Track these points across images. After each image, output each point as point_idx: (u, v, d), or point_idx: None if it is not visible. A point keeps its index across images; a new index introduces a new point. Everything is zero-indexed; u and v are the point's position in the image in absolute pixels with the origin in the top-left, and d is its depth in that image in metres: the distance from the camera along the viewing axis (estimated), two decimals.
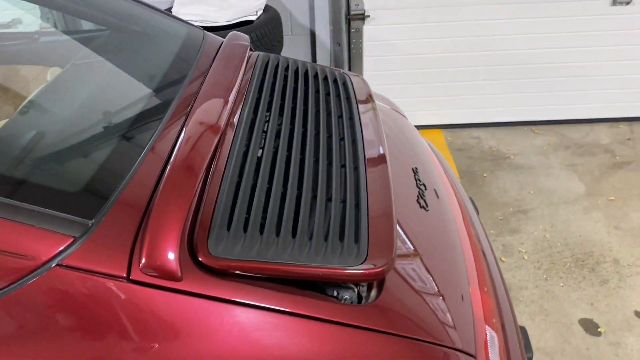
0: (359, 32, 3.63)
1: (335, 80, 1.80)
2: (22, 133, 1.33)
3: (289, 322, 1.08)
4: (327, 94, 1.71)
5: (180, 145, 1.26)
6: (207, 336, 1.04)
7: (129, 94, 1.57)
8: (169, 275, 1.04)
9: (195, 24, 2.05)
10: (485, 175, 3.56)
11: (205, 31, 1.99)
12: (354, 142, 1.49)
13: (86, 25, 2.15)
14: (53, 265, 1.01)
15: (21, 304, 1.02)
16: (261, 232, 1.14)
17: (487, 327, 1.42)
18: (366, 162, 1.40)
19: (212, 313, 1.05)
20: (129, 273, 1.03)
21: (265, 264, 1.07)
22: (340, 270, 1.08)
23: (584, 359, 2.30)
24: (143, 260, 1.02)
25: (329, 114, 1.60)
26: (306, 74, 1.80)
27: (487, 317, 1.47)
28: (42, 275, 1.01)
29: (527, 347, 1.57)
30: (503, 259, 2.86)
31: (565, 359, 2.29)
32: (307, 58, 3.90)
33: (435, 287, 1.39)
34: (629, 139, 3.87)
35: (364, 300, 1.22)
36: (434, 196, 1.71)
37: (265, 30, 3.23)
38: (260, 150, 1.38)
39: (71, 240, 1.03)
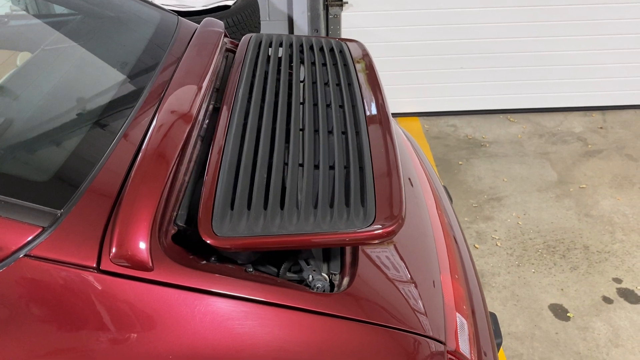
0: (337, 18, 3.62)
1: (331, 49, 1.80)
2: None
3: (260, 311, 1.09)
4: (324, 64, 1.71)
5: (152, 133, 1.25)
6: (179, 326, 1.04)
7: (101, 80, 1.54)
8: (139, 265, 1.03)
9: (171, 9, 2.02)
10: (460, 163, 3.59)
11: (179, 17, 1.96)
12: (353, 107, 1.48)
13: (58, 9, 2.10)
14: (21, 255, 1.00)
15: None
16: (265, 207, 1.13)
17: (457, 314, 1.44)
18: (368, 126, 1.40)
19: (183, 303, 1.05)
20: (99, 263, 1.02)
21: (271, 237, 1.07)
22: (347, 234, 1.08)
23: (553, 343, 2.35)
24: (113, 250, 1.02)
25: (326, 84, 1.60)
26: (301, 46, 1.79)
27: (458, 304, 1.50)
28: (10, 266, 1.00)
29: (497, 332, 1.60)
30: (477, 245, 2.91)
31: (535, 344, 2.34)
32: None
33: (407, 275, 1.41)
34: (601, 128, 3.93)
35: (336, 289, 1.23)
36: (408, 184, 1.72)
37: (242, 16, 3.19)
38: (258, 126, 1.37)
39: (39, 230, 1.02)
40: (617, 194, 3.27)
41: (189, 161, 1.33)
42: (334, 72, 1.66)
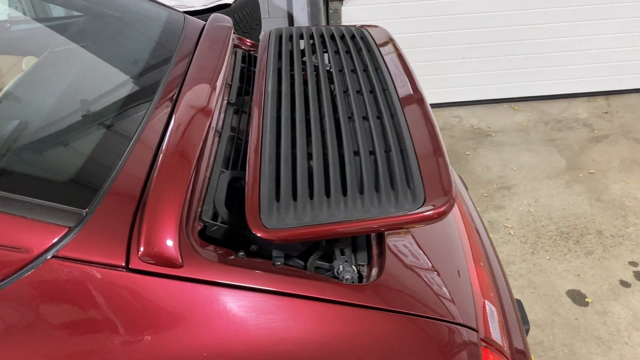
0: (337, 13, 3.60)
1: (353, 36, 1.78)
2: (6, 124, 1.28)
3: (292, 304, 1.07)
4: (347, 52, 1.69)
5: (172, 129, 1.23)
6: (212, 322, 1.02)
7: (114, 79, 1.52)
8: (169, 262, 1.01)
9: None
10: (467, 153, 3.58)
11: (185, 14, 1.94)
12: (385, 91, 1.46)
13: (61, 12, 2.08)
14: (48, 257, 0.98)
15: (17, 298, 0.99)
16: (311, 197, 1.12)
17: (485, 301, 1.43)
18: (403, 108, 1.37)
19: (215, 298, 1.03)
20: (127, 262, 1.00)
21: (321, 226, 1.05)
22: (398, 218, 1.06)
23: (574, 329, 2.34)
24: (142, 248, 1.00)
25: (353, 70, 1.58)
26: (322, 36, 1.78)
27: (485, 291, 1.48)
28: (38, 268, 0.98)
29: (524, 319, 1.58)
30: (490, 235, 2.88)
31: (555, 330, 2.33)
32: None
33: (434, 264, 1.39)
34: (606, 113, 3.92)
35: (365, 280, 1.21)
36: None
37: (242, 14, 3.17)
38: (292, 117, 1.36)
39: (66, 230, 1.00)
40: (626, 178, 3.25)
41: (209, 157, 1.31)
42: (359, 58, 1.64)
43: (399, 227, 1.09)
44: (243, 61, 1.82)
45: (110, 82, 1.50)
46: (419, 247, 1.40)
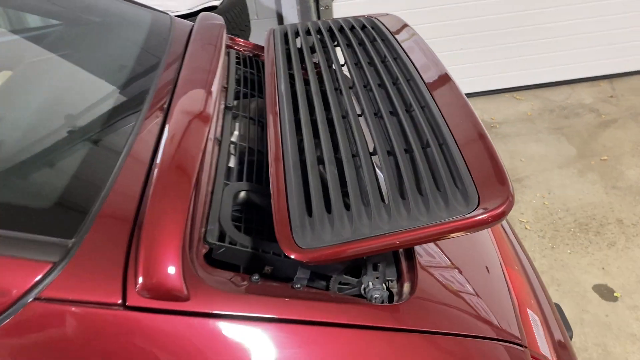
0: (329, 9, 3.46)
1: (363, 27, 1.63)
2: None
3: (320, 334, 0.92)
4: (360, 43, 1.54)
5: (166, 140, 1.07)
6: None
7: (96, 91, 1.36)
8: (173, 295, 0.86)
9: None
10: None
11: (172, 15, 1.80)
12: (409, 81, 1.31)
13: (38, 21, 1.92)
14: (30, 300, 0.83)
15: None
16: (347, 207, 0.97)
17: (528, 310, 1.28)
18: (434, 96, 1.22)
19: (229, 334, 0.88)
20: (124, 298, 0.86)
21: (364, 241, 0.90)
22: (452, 224, 0.90)
23: (605, 326, 2.20)
24: (140, 281, 0.85)
25: (370, 63, 1.43)
26: (330, 30, 1.63)
27: (525, 298, 1.34)
28: (18, 313, 0.82)
29: (566, 325, 1.44)
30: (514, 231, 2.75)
31: (586, 329, 2.18)
32: None
33: (468, 273, 1.25)
34: (611, 97, 3.80)
35: (396, 297, 1.07)
36: None
37: (230, 16, 3.02)
38: (312, 120, 1.21)
39: (49, 266, 0.85)
40: None
41: (209, 168, 1.16)
42: (375, 49, 1.49)
43: (455, 234, 0.93)
44: (237, 62, 1.68)
45: (93, 93, 1.34)
46: (450, 254, 1.26)
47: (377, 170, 1.06)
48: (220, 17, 1.74)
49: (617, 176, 3.03)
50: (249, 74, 1.65)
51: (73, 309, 0.84)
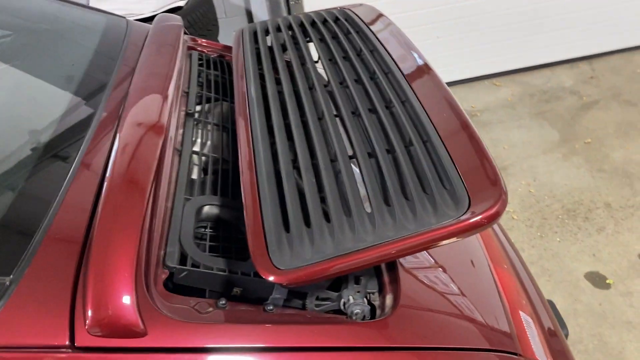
0: (299, 3, 3.35)
1: (336, 20, 1.54)
2: None
3: None
4: (334, 37, 1.45)
5: (116, 154, 0.98)
6: None
7: (42, 103, 1.25)
8: (127, 330, 0.78)
9: None
10: None
11: (128, 19, 1.69)
12: (388, 74, 1.23)
13: None
14: None
15: None
16: (327, 219, 0.88)
17: (520, 312, 1.21)
18: (414, 90, 1.14)
19: None
20: (72, 339, 0.77)
21: (350, 255, 0.82)
22: (442, 230, 0.83)
23: (599, 316, 2.13)
24: (89, 316, 0.76)
25: (345, 57, 1.35)
26: (301, 25, 1.53)
27: (516, 299, 1.26)
28: None
29: (561, 323, 1.36)
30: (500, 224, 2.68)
31: (580, 320, 2.12)
32: None
33: (455, 278, 1.17)
34: (591, 78, 3.74)
35: (378, 311, 0.98)
36: None
37: (197, 15, 2.91)
38: (285, 124, 1.13)
39: None
40: (625, 144, 3.07)
41: (169, 183, 1.06)
42: (349, 42, 1.40)
43: (445, 241, 0.84)
44: (201, 64, 1.58)
45: (39, 105, 1.24)
46: (433, 255, 1.18)
47: (361, 175, 0.98)
48: (179, 18, 1.64)
49: (602, 159, 2.98)
50: (214, 76, 1.55)
51: (14, 355, 0.75)
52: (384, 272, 1.03)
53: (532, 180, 2.89)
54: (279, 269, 0.81)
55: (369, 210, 0.89)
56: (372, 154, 1.01)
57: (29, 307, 0.78)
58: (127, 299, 0.77)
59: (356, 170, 1.00)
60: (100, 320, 0.76)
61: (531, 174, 2.93)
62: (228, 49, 1.79)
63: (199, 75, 1.51)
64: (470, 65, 3.83)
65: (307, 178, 0.96)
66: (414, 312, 0.99)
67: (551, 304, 1.42)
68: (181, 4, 3.01)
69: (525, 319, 1.20)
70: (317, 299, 0.97)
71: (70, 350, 0.76)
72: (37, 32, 1.50)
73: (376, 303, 1.00)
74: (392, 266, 1.04)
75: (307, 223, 0.89)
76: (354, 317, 0.94)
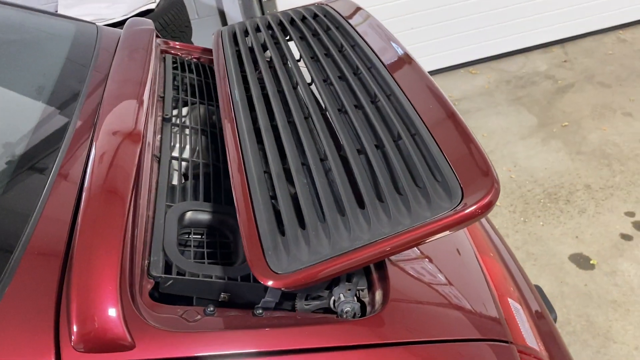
0: (272, 1, 3.33)
1: (315, 16, 1.52)
2: None
3: None
4: (314, 34, 1.43)
5: (93, 164, 0.95)
6: None
7: (15, 116, 1.22)
8: (114, 344, 0.76)
9: None
10: None
11: (98, 25, 1.66)
12: (371, 69, 1.22)
13: None
14: None
15: None
16: (321, 219, 0.88)
17: (508, 299, 1.21)
18: (399, 83, 1.13)
19: None
20: (58, 356, 0.74)
21: (348, 254, 0.81)
22: (438, 223, 0.82)
23: (585, 296, 2.16)
24: (75, 331, 0.74)
25: (327, 54, 1.33)
26: (280, 24, 1.52)
27: (504, 287, 1.27)
28: None
29: (549, 307, 1.38)
30: None
31: (567, 302, 2.14)
32: None
33: (443, 270, 1.17)
34: (565, 61, 3.78)
35: (369, 308, 0.98)
36: None
37: (169, 17, 2.88)
38: (272, 125, 1.12)
39: None
40: (601, 125, 3.11)
41: (149, 190, 1.04)
42: (330, 39, 1.39)
43: (442, 233, 0.84)
44: (175, 67, 1.55)
45: (11, 116, 1.20)
46: (419, 249, 1.18)
47: (352, 172, 0.97)
48: (150, 22, 1.62)
49: (580, 141, 3.01)
50: (189, 79, 1.53)
51: None
52: (372, 269, 1.03)
53: (513, 166, 2.91)
54: (276, 273, 0.80)
55: (363, 207, 0.88)
56: (361, 151, 1.00)
57: (11, 326, 0.76)
58: (112, 312, 0.75)
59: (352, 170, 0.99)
60: (86, 335, 0.74)
61: (511, 160, 2.95)
62: (202, 50, 1.77)
63: (174, 79, 1.49)
64: (445, 55, 3.85)
65: (298, 179, 0.95)
66: (404, 306, 0.98)
67: (538, 289, 1.43)
68: (152, 6, 2.97)
69: (514, 305, 1.20)
70: (307, 298, 0.97)
71: None
72: (4, 43, 1.46)
73: (366, 300, 1.00)
74: (380, 262, 1.03)
75: (302, 224, 0.88)
76: (344, 316, 0.93)
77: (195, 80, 1.53)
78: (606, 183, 2.70)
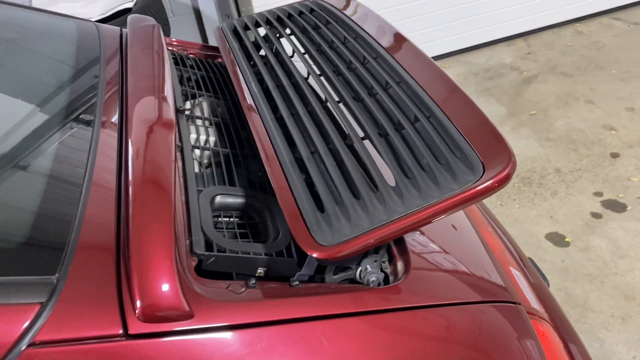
0: None
1: (312, 11, 1.59)
2: None
3: (334, 327, 0.90)
4: (315, 28, 1.50)
5: (132, 155, 1.00)
6: None
7: (37, 116, 1.25)
8: (176, 314, 0.82)
9: None
10: None
11: (95, 22, 1.69)
12: (376, 59, 1.28)
13: None
14: (23, 348, 0.75)
15: None
16: (356, 196, 0.95)
17: (511, 268, 1.32)
18: (407, 70, 1.20)
19: (243, 344, 0.85)
20: (125, 327, 0.80)
21: (385, 227, 0.88)
22: (465, 193, 0.90)
23: (563, 271, 2.31)
24: (138, 306, 0.79)
25: (331, 46, 1.40)
26: (278, 19, 1.58)
27: (504, 258, 1.37)
28: None
29: (542, 276, 1.49)
30: None
31: (548, 277, 2.27)
32: (196, 37, 3.59)
33: (452, 242, 1.26)
34: (528, 53, 3.96)
35: (392, 278, 1.06)
36: None
37: (149, 15, 2.89)
38: (293, 113, 1.19)
39: (38, 308, 0.77)
40: (566, 112, 3.29)
41: (178, 177, 1.10)
42: (331, 32, 1.46)
43: (469, 203, 0.92)
44: (175, 62, 1.61)
45: (34, 118, 1.23)
46: (432, 226, 1.27)
47: (380, 153, 1.05)
48: (151, 18, 1.66)
49: (547, 128, 3.18)
50: (191, 73, 1.58)
51: (73, 348, 0.77)
52: (392, 243, 1.11)
53: None
54: (323, 245, 0.87)
55: (392, 184, 0.96)
56: (382, 134, 1.08)
57: (80, 301, 0.80)
58: (172, 286, 0.81)
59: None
60: (150, 307, 0.80)
61: None
62: (197, 46, 1.82)
63: (178, 73, 1.54)
64: None
65: (328, 161, 1.02)
66: (423, 274, 1.07)
67: (531, 260, 1.55)
68: (129, 5, 2.98)
69: (516, 273, 1.31)
70: (335, 272, 1.04)
71: (125, 338, 0.79)
72: (11, 42, 1.49)
73: (387, 270, 1.08)
74: (400, 237, 1.12)
75: (339, 203, 0.95)
76: (370, 285, 1.01)
77: (198, 75, 1.59)
78: (574, 166, 2.87)
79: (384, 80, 1.21)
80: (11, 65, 1.45)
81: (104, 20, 2.93)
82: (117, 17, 2.91)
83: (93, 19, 2.94)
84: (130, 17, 1.66)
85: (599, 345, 1.99)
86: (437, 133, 1.04)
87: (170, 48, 1.73)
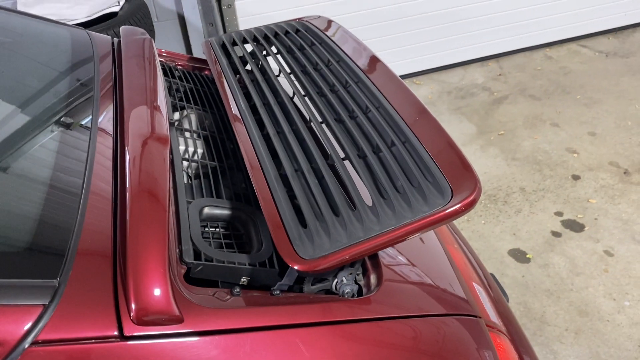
0: (232, 8, 3.45)
1: (297, 31, 1.67)
2: None
3: (310, 334, 0.98)
4: (300, 49, 1.58)
5: (129, 165, 1.07)
6: None
7: (32, 124, 1.30)
8: (168, 318, 0.89)
9: None
10: None
11: (88, 31, 1.74)
12: (358, 83, 1.37)
13: None
14: (26, 346, 0.81)
15: None
16: (336, 214, 1.03)
17: (473, 283, 1.42)
18: (385, 96, 1.29)
19: (228, 349, 0.92)
20: (120, 329, 0.86)
21: (361, 244, 0.97)
22: (435, 216, 0.99)
23: (523, 286, 2.44)
24: (133, 308, 0.86)
25: (315, 68, 1.48)
26: (266, 37, 1.65)
27: (468, 273, 1.47)
28: None
29: (502, 292, 1.61)
30: None
31: (507, 291, 2.41)
32: (180, 44, 3.64)
33: (420, 257, 1.36)
34: (499, 75, 4.12)
35: (365, 290, 1.15)
36: None
37: (134, 21, 2.94)
38: (278, 131, 1.27)
39: (41, 309, 0.84)
40: (533, 134, 3.44)
41: (169, 188, 1.17)
42: (316, 54, 1.54)
43: (437, 225, 1.02)
44: (165, 73, 1.67)
45: (29, 126, 1.28)
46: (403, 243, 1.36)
47: (358, 173, 1.14)
48: (144, 31, 1.72)
49: (514, 148, 3.33)
50: (180, 85, 1.65)
51: (72, 347, 0.84)
52: (366, 257, 1.20)
53: None
54: (304, 258, 0.95)
55: (369, 203, 1.05)
56: (361, 156, 1.17)
57: (80, 304, 0.87)
58: (164, 291, 0.88)
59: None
60: (143, 311, 0.87)
61: None
62: (184, 58, 1.89)
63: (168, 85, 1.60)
64: (392, 66, 4.08)
65: (310, 179, 1.11)
66: (393, 287, 1.16)
67: (493, 276, 1.66)
68: (115, 9, 3.02)
69: (478, 288, 1.42)
70: (313, 283, 1.12)
71: (120, 339, 0.86)
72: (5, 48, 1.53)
73: (361, 283, 1.17)
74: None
75: (320, 219, 1.03)
76: (345, 296, 1.10)
77: (186, 87, 1.65)
78: (538, 186, 3.01)
79: (364, 105, 1.30)
80: (3, 76, 1.49)
81: (89, 23, 2.96)
82: (103, 21, 2.95)
83: (79, 21, 2.98)
84: (123, 29, 1.71)
85: (552, 357, 2.12)
86: (411, 157, 1.14)
87: (159, 59, 1.79)
